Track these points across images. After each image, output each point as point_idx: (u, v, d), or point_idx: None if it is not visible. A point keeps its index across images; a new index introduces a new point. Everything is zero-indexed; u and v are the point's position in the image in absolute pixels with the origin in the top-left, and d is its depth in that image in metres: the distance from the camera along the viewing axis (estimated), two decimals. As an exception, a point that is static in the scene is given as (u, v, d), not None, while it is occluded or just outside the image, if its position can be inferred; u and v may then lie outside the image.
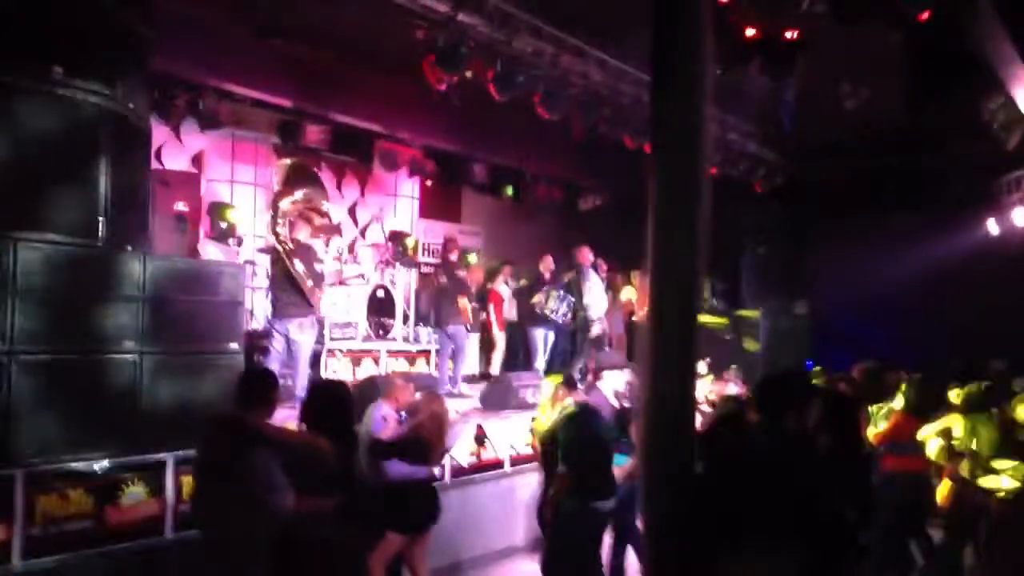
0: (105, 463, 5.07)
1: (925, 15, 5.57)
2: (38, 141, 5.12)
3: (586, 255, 11.10)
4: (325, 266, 10.12)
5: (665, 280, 3.14)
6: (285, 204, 9.35)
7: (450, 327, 10.15)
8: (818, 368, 10.18)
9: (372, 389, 7.14)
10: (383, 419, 5.90)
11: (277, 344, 8.12)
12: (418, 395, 6.17)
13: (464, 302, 10.34)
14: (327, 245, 10.73)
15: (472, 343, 11.16)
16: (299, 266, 8.22)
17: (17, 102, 5.05)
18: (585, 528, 5.78)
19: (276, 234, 8.71)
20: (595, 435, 5.92)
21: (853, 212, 13.72)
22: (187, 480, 5.37)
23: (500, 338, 11.85)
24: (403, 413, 6.02)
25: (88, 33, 5.40)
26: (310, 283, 8.31)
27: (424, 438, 5.73)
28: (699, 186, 3.05)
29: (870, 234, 13.72)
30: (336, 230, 11.81)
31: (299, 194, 9.68)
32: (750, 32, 6.91)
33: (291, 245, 8.43)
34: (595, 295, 11.01)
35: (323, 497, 4.15)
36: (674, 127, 3.19)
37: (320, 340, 9.14)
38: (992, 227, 12.91)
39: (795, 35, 6.91)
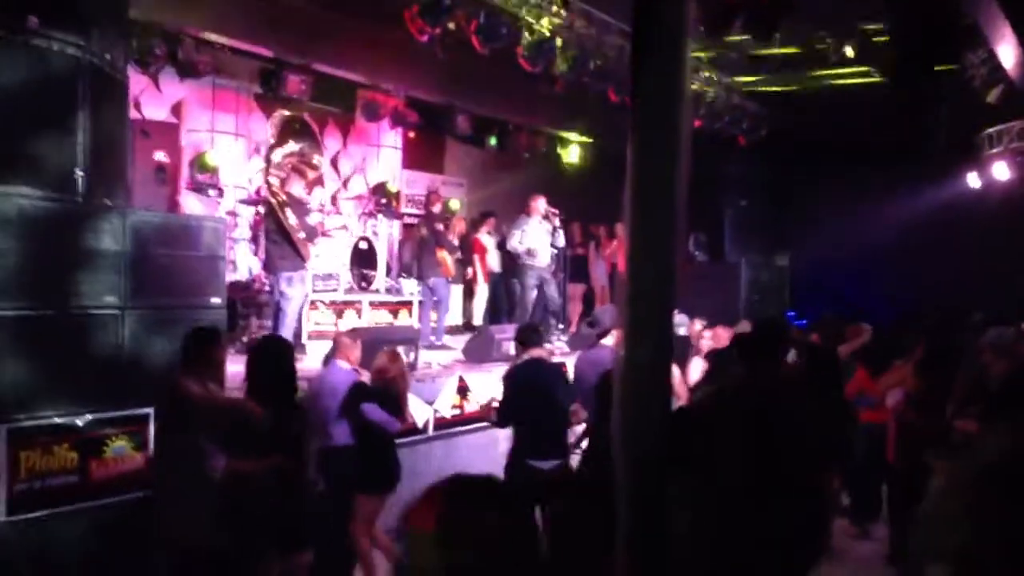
0: (88, 418, 5.08)
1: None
2: (13, 93, 5.02)
3: (535, 204, 10.61)
4: (309, 217, 10.10)
5: (642, 241, 3.12)
6: (278, 156, 9.34)
7: (431, 279, 10.18)
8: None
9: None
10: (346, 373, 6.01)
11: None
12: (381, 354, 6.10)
13: (443, 255, 10.35)
14: (309, 194, 10.69)
15: (455, 294, 11.18)
16: (291, 219, 8.22)
17: (-9, 53, 4.96)
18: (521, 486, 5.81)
19: (268, 184, 8.71)
20: (537, 392, 5.85)
21: (836, 165, 13.74)
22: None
23: (483, 289, 11.90)
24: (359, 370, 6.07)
25: (63, -19, 5.29)
26: (302, 235, 8.32)
27: (396, 392, 5.79)
28: (678, 139, 3.02)
29: (852, 187, 13.78)
30: (319, 181, 11.76)
31: (293, 146, 9.66)
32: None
33: (283, 197, 8.42)
34: (535, 242, 10.51)
35: (256, 458, 4.24)
36: (655, 80, 3.15)
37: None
38: (973, 181, 12.98)
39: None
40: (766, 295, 13.36)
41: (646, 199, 3.12)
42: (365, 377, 5.95)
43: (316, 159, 10.25)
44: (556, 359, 7.91)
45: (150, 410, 5.34)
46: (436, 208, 10.81)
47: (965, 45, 7.34)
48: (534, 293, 10.46)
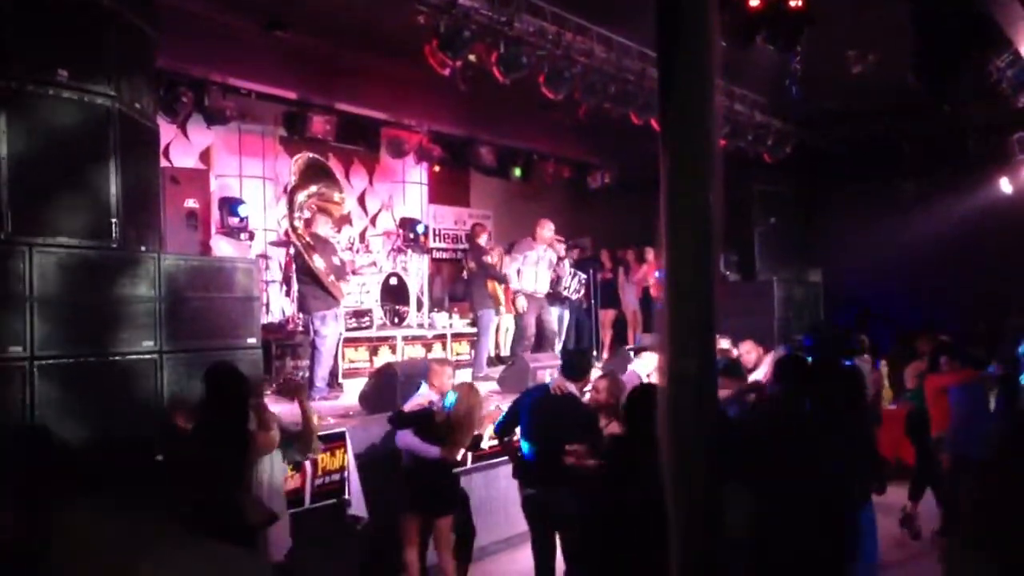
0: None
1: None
2: (47, 145, 5.13)
3: (539, 230, 10.36)
4: (345, 256, 10.17)
5: (680, 257, 3.10)
6: (301, 198, 9.42)
7: (480, 311, 10.22)
8: None
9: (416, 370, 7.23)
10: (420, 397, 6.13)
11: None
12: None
13: (494, 286, 10.38)
14: (338, 233, 10.77)
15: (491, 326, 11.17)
16: (318, 261, 8.28)
17: (24, 106, 5.05)
18: (525, 513, 5.75)
19: (294, 228, 8.79)
20: (529, 419, 5.73)
21: (864, 178, 13.65)
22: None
23: (509, 319, 11.87)
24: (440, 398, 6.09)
25: (92, 34, 5.40)
26: (331, 277, 8.37)
27: (440, 420, 5.78)
28: (711, 160, 3.01)
29: (882, 199, 13.66)
30: (346, 219, 11.84)
31: (313, 188, 9.75)
32: (754, 3, 6.82)
33: (309, 239, 8.49)
34: (533, 271, 10.26)
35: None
36: (684, 101, 3.15)
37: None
38: (1005, 186, 12.82)
39: (800, 4, 6.81)
40: (800, 312, 13.23)
41: (682, 218, 3.09)
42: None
43: (337, 196, 10.32)
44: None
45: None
46: (482, 240, 10.80)
47: (990, 46, 7.29)
48: (532, 320, 10.21)
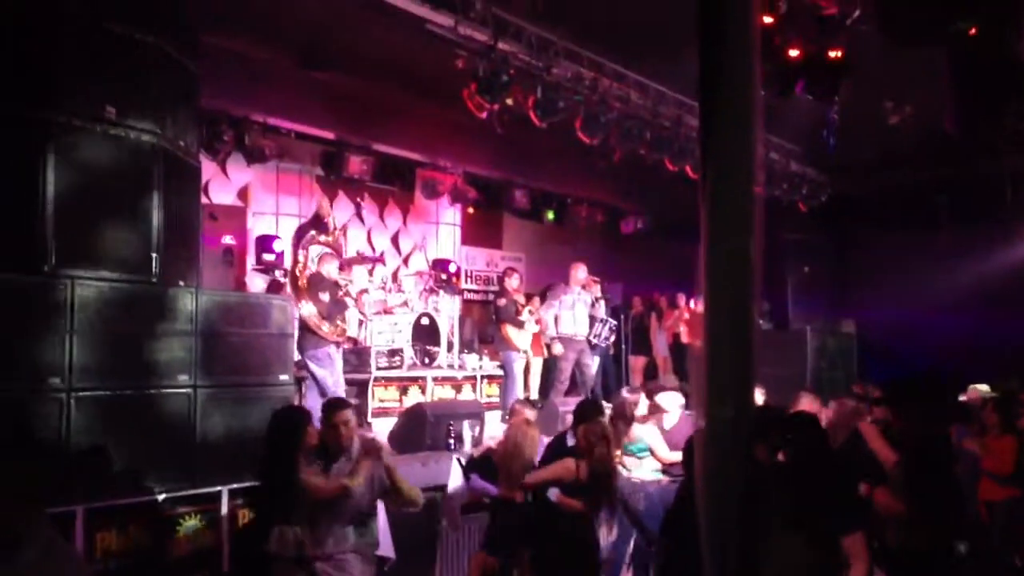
0: (162, 497, 5.12)
1: (973, 30, 5.51)
2: (92, 180, 5.21)
3: (573, 272, 10.44)
4: (370, 296, 10.22)
5: (719, 304, 3.09)
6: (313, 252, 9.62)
7: (506, 352, 10.22)
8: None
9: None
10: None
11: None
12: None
13: (506, 329, 10.39)
14: (371, 275, 10.84)
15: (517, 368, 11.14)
16: (305, 307, 8.25)
17: (71, 142, 5.13)
18: None
19: (293, 273, 8.96)
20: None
21: (899, 227, 13.57)
22: (242, 512, 5.43)
23: (537, 363, 11.83)
24: None
25: (139, 71, 5.49)
26: (317, 320, 8.34)
27: (494, 457, 5.90)
28: (751, 209, 3.02)
29: (917, 249, 13.56)
30: (380, 259, 11.92)
31: (313, 232, 9.93)
32: (794, 53, 6.86)
33: (304, 281, 8.58)
34: (570, 314, 10.31)
35: None
36: (725, 150, 3.16)
37: (367, 369, 9.22)
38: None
39: (839, 55, 6.84)
40: (834, 362, 13.08)
41: (721, 266, 3.09)
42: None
43: (323, 238, 10.44)
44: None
45: (222, 488, 5.37)
46: (513, 282, 10.82)
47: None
48: (569, 365, 10.19)
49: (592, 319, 10.73)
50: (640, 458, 6.74)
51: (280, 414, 4.81)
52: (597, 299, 10.59)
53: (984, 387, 8.22)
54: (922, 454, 4.56)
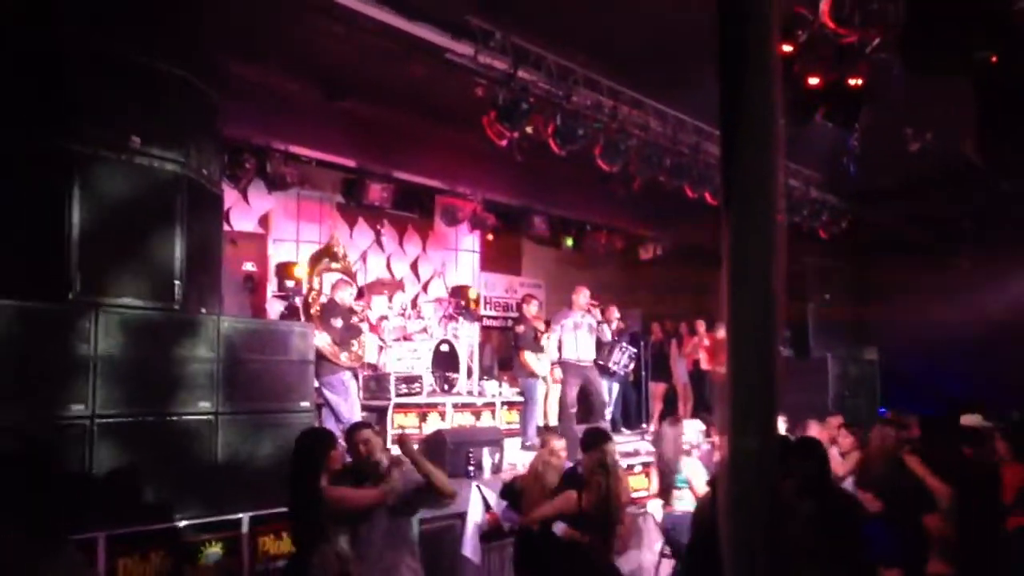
0: (184, 523, 5.13)
1: (995, 59, 5.50)
2: (117, 208, 5.27)
3: (575, 296, 10.21)
4: (389, 322, 10.24)
5: (742, 333, 3.08)
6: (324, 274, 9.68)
7: (524, 379, 10.21)
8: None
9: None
10: None
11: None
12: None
13: (524, 356, 10.39)
14: (391, 301, 10.88)
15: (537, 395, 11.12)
16: (318, 338, 8.25)
17: (97, 171, 5.21)
18: None
19: (306, 300, 9.00)
20: None
21: (920, 254, 13.48)
22: (263, 540, 5.43)
23: (556, 389, 11.79)
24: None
25: (163, 101, 5.57)
26: (332, 347, 8.35)
27: (516, 485, 6.00)
28: (774, 236, 3.01)
29: (939, 275, 13.47)
30: (399, 285, 11.97)
31: (326, 260, 10.00)
32: (814, 81, 6.85)
33: (318, 308, 8.61)
34: (573, 338, 10.09)
35: None
36: (747, 178, 3.16)
37: (386, 396, 9.23)
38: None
39: (859, 83, 6.82)
40: (856, 390, 12.99)
41: (744, 294, 3.08)
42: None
43: (335, 264, 10.49)
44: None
45: (244, 515, 5.37)
46: (531, 308, 10.82)
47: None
48: (573, 390, 9.95)
49: (600, 343, 10.68)
50: (680, 489, 6.76)
51: (305, 435, 4.87)
52: (600, 322, 10.41)
53: (976, 417, 8.09)
54: (977, 485, 4.70)
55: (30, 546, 2.55)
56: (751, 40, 2.68)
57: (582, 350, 10.08)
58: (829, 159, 10.27)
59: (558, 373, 10.26)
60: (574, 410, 10.01)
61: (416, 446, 5.14)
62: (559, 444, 6.21)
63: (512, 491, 6.17)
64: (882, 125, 8.11)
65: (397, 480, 4.62)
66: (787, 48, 6.55)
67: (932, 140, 9.33)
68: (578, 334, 10.06)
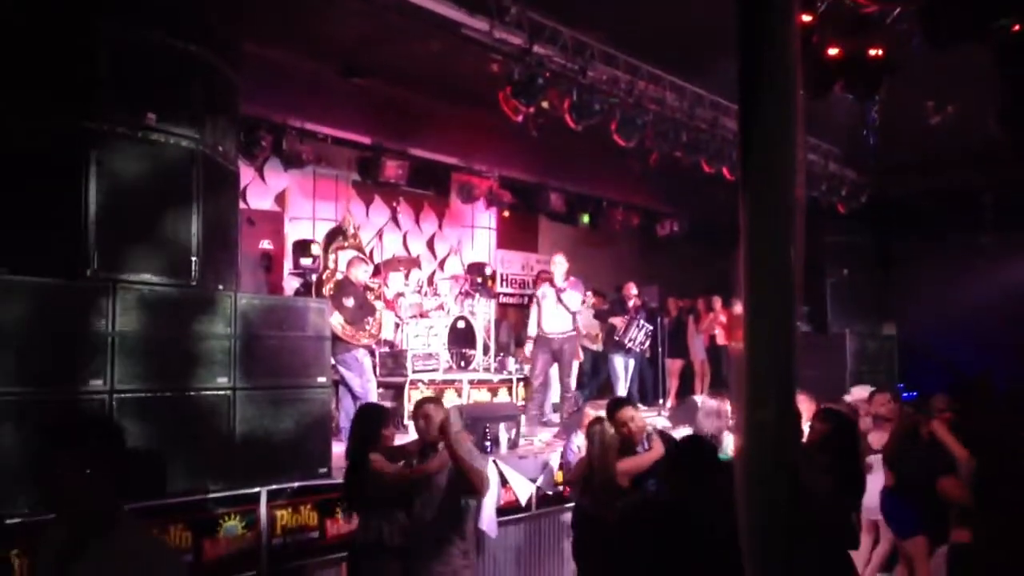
0: (202, 497, 5.17)
1: (1016, 27, 5.40)
2: (133, 186, 5.27)
3: (556, 271, 10.00)
4: (405, 299, 10.26)
5: (759, 307, 3.07)
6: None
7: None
8: None
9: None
10: (575, 449, 6.26)
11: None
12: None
13: None
14: (407, 278, 10.89)
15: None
16: (332, 319, 8.23)
17: (113, 148, 5.20)
18: None
19: (320, 280, 8.99)
20: None
21: (941, 230, 13.35)
22: (280, 513, 5.47)
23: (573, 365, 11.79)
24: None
25: (180, 78, 5.56)
26: (344, 326, 8.33)
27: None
28: (793, 211, 2.98)
29: (959, 252, 13.34)
30: (415, 263, 11.97)
31: (339, 239, 9.99)
32: (833, 52, 6.75)
33: (332, 286, 8.61)
34: (551, 314, 9.94)
35: None
36: (765, 152, 3.13)
37: (403, 372, 9.28)
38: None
39: (880, 54, 6.71)
40: (874, 366, 12.93)
41: (762, 269, 3.05)
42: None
43: (348, 242, 10.48)
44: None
45: (261, 489, 5.41)
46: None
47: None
48: (537, 364, 9.84)
49: (624, 328, 10.67)
50: None
51: (360, 410, 5.26)
52: (560, 290, 9.87)
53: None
54: (1000, 451, 4.75)
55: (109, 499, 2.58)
56: (769, 11, 2.64)
57: (549, 323, 9.86)
58: (848, 133, 10.17)
59: (528, 347, 10.26)
60: (538, 381, 9.88)
61: (465, 437, 4.98)
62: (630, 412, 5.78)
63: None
64: (902, 98, 8.02)
65: (439, 460, 4.67)
66: (806, 18, 6.46)
67: (953, 113, 9.22)
68: (545, 304, 9.92)
